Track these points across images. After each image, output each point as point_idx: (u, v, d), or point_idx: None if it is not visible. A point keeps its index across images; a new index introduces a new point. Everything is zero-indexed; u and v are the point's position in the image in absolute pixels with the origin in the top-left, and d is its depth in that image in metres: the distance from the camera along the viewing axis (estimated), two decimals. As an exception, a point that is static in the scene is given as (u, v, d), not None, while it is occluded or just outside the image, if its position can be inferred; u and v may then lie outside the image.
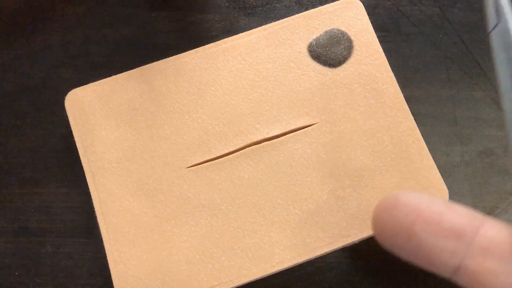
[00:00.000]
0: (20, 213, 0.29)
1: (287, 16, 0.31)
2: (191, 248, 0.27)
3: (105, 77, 0.30)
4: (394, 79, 0.30)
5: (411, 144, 0.29)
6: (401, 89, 0.30)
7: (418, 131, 0.29)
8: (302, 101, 0.29)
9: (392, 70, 0.30)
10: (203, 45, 0.30)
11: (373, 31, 0.30)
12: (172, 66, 0.30)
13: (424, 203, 0.20)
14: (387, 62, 0.30)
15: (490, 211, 0.29)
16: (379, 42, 0.30)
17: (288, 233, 0.27)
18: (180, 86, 0.30)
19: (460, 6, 0.33)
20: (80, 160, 0.28)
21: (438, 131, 0.30)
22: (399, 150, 0.28)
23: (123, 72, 0.30)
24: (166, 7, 0.33)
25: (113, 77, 0.30)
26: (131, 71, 0.30)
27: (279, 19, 0.31)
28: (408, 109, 0.29)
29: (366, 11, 0.31)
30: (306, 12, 0.31)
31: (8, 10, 0.33)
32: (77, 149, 0.29)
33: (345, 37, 0.30)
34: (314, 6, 0.32)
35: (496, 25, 0.23)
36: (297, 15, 0.31)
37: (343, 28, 0.30)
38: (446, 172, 0.30)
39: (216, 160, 0.28)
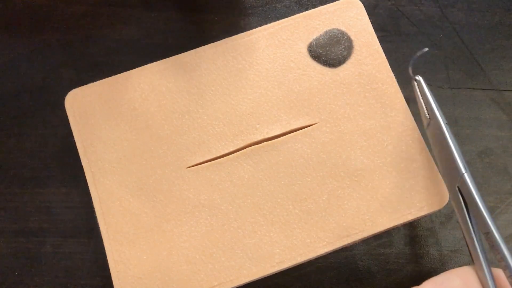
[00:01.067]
0: (20, 213, 0.29)
1: (287, 16, 0.31)
2: (191, 248, 0.27)
3: (105, 77, 0.30)
4: (394, 79, 0.30)
5: (411, 144, 0.29)
6: (401, 89, 0.30)
7: (418, 131, 0.29)
8: (302, 101, 0.29)
9: (392, 70, 0.30)
10: (203, 45, 0.30)
11: (373, 31, 0.30)
12: (172, 66, 0.30)
13: None
14: (387, 62, 0.30)
15: (490, 211, 0.29)
16: (379, 42, 0.30)
17: (288, 233, 0.27)
18: (180, 86, 0.30)
19: (460, 6, 0.33)
20: (80, 160, 0.28)
21: (438, 131, 0.30)
22: (399, 150, 0.28)
23: (123, 72, 0.30)
24: (166, 7, 0.33)
25: (113, 77, 0.30)
26: (131, 71, 0.30)
27: (279, 19, 0.31)
28: (408, 109, 0.29)
29: (366, 11, 0.31)
30: (306, 12, 0.31)
31: (8, 10, 0.33)
32: (77, 149, 0.29)
33: (345, 37, 0.30)
34: (314, 6, 0.32)
35: (429, 123, 0.27)
36: (297, 15, 0.31)
37: (343, 28, 0.30)
38: (446, 172, 0.30)
39: (216, 160, 0.28)
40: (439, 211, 0.29)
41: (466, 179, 0.25)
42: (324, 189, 0.28)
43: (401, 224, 0.28)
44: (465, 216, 0.25)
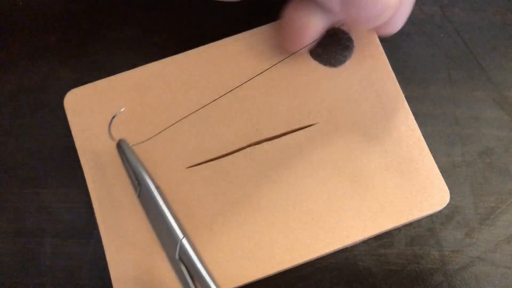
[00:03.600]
0: (20, 213, 0.29)
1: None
2: (191, 249, 0.27)
3: (105, 77, 0.30)
4: (394, 79, 0.30)
5: (412, 144, 0.28)
6: (401, 89, 0.29)
7: (419, 131, 0.29)
8: (302, 101, 0.29)
9: (393, 70, 0.30)
10: (203, 45, 0.30)
11: (373, 30, 0.30)
12: (172, 66, 0.30)
13: None
14: (387, 62, 0.30)
15: (491, 211, 0.29)
16: (379, 42, 0.30)
17: (288, 234, 0.27)
18: (180, 86, 0.30)
19: (460, 5, 0.33)
20: (79, 160, 0.28)
21: (438, 131, 0.30)
22: (399, 150, 0.28)
23: (123, 72, 0.30)
24: (166, 7, 0.33)
25: (113, 77, 0.30)
26: (131, 71, 0.30)
27: (279, 19, 0.31)
28: (408, 109, 0.29)
29: (367, 10, 0.31)
30: (306, 12, 0.31)
31: (8, 10, 0.33)
32: (77, 149, 0.29)
33: (346, 37, 0.30)
34: (314, 6, 0.32)
35: (140, 190, 0.24)
36: (297, 15, 0.31)
37: (343, 28, 0.30)
38: (447, 172, 0.29)
39: (216, 160, 0.28)
40: (440, 211, 0.28)
41: (184, 245, 0.23)
42: (324, 190, 0.28)
43: (401, 224, 0.28)
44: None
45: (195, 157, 0.28)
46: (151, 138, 0.27)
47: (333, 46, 0.30)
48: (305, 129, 0.29)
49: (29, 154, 0.30)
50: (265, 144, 0.28)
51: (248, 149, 0.28)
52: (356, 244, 0.28)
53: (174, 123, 0.27)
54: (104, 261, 0.27)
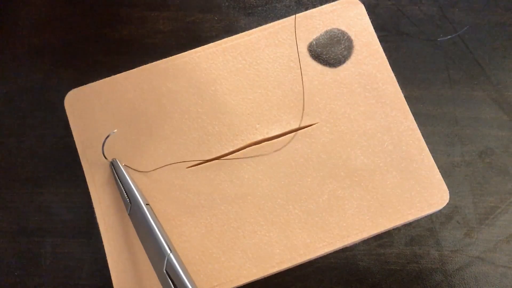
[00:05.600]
0: (20, 213, 0.29)
1: (287, 16, 0.31)
2: (191, 249, 0.27)
3: (105, 77, 0.30)
4: (394, 79, 0.30)
5: (412, 144, 0.29)
6: (401, 89, 0.29)
7: (418, 131, 0.29)
8: (302, 101, 0.29)
9: (392, 70, 0.30)
10: (203, 45, 0.30)
11: (373, 31, 0.30)
12: (172, 66, 0.30)
13: None
14: (387, 62, 0.30)
15: (491, 211, 0.29)
16: (379, 42, 0.30)
17: (288, 233, 0.27)
18: (180, 86, 0.30)
19: (460, 6, 0.33)
20: (80, 160, 0.28)
21: (438, 131, 0.30)
22: (399, 150, 0.28)
23: (123, 72, 0.30)
24: (166, 7, 0.33)
25: (113, 77, 0.30)
26: (131, 71, 0.30)
27: (279, 19, 0.31)
28: (408, 109, 0.29)
29: (367, 11, 0.31)
30: (306, 12, 0.31)
31: (9, 10, 0.33)
32: (77, 149, 0.29)
33: (346, 37, 0.30)
34: (314, 6, 0.32)
35: (130, 208, 0.26)
36: (297, 15, 0.31)
37: (343, 28, 0.30)
38: (446, 172, 0.29)
39: (216, 160, 0.28)
40: (439, 211, 0.28)
41: (171, 259, 0.24)
42: (324, 189, 0.28)
43: (401, 224, 0.28)
44: None
45: (195, 157, 0.28)
46: (160, 167, 0.28)
47: (333, 46, 0.30)
48: (305, 129, 0.29)
49: (29, 154, 0.30)
50: (265, 144, 0.28)
51: (248, 149, 0.28)
52: (356, 244, 0.28)
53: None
54: (104, 260, 0.27)
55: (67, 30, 0.33)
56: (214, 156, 0.28)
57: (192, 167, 0.28)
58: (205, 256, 0.27)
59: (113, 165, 0.27)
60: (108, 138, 0.27)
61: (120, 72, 0.30)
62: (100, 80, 0.30)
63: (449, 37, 0.31)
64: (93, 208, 0.28)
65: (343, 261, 0.28)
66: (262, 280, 0.27)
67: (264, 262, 0.27)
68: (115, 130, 0.27)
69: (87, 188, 0.28)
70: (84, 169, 0.28)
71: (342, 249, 0.28)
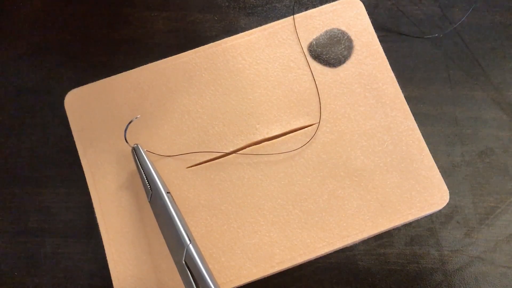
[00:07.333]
0: (20, 213, 0.29)
1: (287, 16, 0.31)
2: (191, 248, 0.27)
3: (105, 77, 0.30)
4: (394, 79, 0.30)
5: (412, 144, 0.29)
6: (401, 89, 0.29)
7: (418, 131, 0.29)
8: (302, 101, 0.29)
9: (392, 70, 0.30)
10: (203, 45, 0.30)
11: (373, 30, 0.30)
12: (172, 66, 0.30)
13: None
14: (387, 62, 0.30)
15: (490, 211, 0.29)
16: (379, 42, 0.30)
17: (288, 233, 0.27)
18: (180, 86, 0.30)
19: (460, 6, 0.33)
20: (80, 160, 0.28)
21: (438, 131, 0.30)
22: (399, 150, 0.28)
23: (123, 72, 0.30)
24: (166, 7, 0.33)
25: (113, 77, 0.30)
26: (131, 71, 0.30)
27: (279, 19, 0.31)
28: (408, 109, 0.29)
29: (367, 10, 0.31)
30: (306, 12, 0.31)
31: (9, 10, 0.33)
32: (77, 149, 0.29)
33: (346, 37, 0.30)
34: (314, 6, 0.32)
35: (151, 195, 0.25)
36: (297, 15, 0.31)
37: (343, 28, 0.30)
38: (446, 172, 0.29)
39: (216, 160, 0.28)
40: (440, 211, 0.28)
41: (191, 250, 0.24)
42: (324, 189, 0.28)
43: (401, 224, 0.28)
44: None
45: (195, 157, 0.28)
46: (181, 154, 0.28)
47: (333, 46, 0.30)
48: (305, 129, 0.29)
49: (29, 154, 0.30)
50: (265, 144, 0.28)
51: (248, 149, 0.28)
52: (356, 244, 0.28)
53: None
54: (104, 260, 0.27)
55: (67, 30, 0.33)
56: (214, 156, 0.28)
57: (192, 167, 0.28)
58: (205, 256, 0.27)
59: (135, 151, 0.26)
60: (108, 138, 0.27)
61: (120, 72, 0.30)
62: (100, 80, 0.30)
63: (445, 32, 0.31)
64: (93, 208, 0.28)
65: (343, 261, 0.28)
66: (262, 280, 0.27)
67: (264, 262, 0.27)
68: (139, 116, 0.27)
69: (87, 188, 0.28)
70: (84, 169, 0.28)
71: (342, 249, 0.28)
